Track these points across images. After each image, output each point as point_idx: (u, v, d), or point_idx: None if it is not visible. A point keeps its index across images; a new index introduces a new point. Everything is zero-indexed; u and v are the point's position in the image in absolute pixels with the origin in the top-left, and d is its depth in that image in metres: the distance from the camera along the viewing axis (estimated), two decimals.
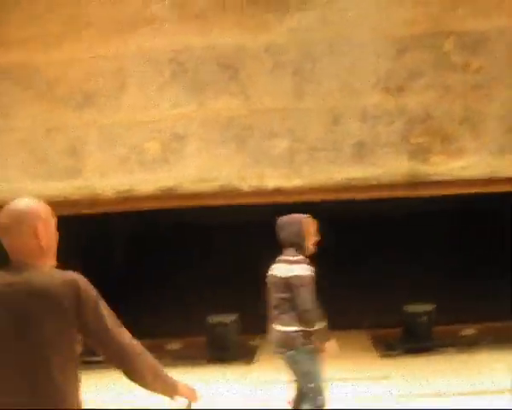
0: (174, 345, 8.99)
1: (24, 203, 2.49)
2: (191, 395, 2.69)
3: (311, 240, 4.77)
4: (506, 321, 8.29)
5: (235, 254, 12.41)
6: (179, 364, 7.43)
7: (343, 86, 7.05)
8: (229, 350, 8.40)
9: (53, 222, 2.54)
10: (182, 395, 2.62)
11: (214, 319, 8.52)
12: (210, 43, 7.07)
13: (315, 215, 5.11)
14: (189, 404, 2.68)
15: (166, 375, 2.59)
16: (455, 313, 8.57)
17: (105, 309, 2.44)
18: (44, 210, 2.51)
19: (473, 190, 7.12)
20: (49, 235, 2.49)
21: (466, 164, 6.90)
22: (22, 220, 2.43)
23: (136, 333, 2.61)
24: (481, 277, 10.46)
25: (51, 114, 7.21)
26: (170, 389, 2.60)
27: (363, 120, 7.04)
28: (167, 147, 7.14)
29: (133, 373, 2.47)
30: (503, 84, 6.84)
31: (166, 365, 2.77)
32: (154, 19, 7.11)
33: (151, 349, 2.59)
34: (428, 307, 8.14)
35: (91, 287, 2.42)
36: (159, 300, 11.15)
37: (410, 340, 8.31)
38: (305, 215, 4.89)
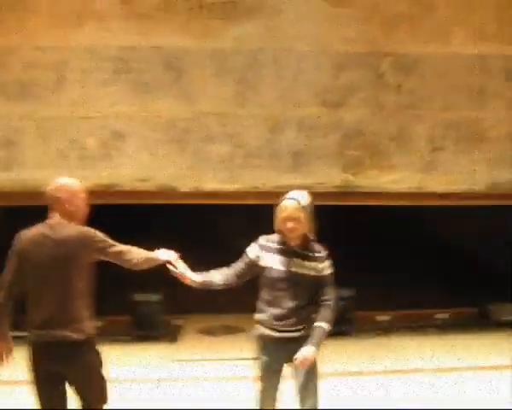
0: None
1: (63, 181, 3.89)
2: (169, 256, 4.08)
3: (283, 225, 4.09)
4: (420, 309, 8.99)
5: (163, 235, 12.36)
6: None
7: (283, 96, 7.28)
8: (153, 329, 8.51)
9: (81, 196, 3.88)
10: (162, 257, 4.05)
11: (139, 297, 8.58)
12: (156, 44, 7.12)
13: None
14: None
15: (146, 253, 3.99)
16: (373, 300, 9.02)
17: (105, 238, 3.84)
18: (75, 187, 3.87)
19: (401, 203, 7.52)
20: (76, 204, 3.83)
21: (395, 178, 7.29)
22: (60, 192, 3.81)
23: None
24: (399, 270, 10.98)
25: None
26: (153, 260, 4.00)
27: (301, 131, 7.29)
28: (107, 144, 7.13)
29: (131, 263, 3.86)
30: (432, 106, 7.28)
31: None
32: (100, 14, 7.08)
33: None
34: (347, 293, 8.39)
35: (97, 232, 3.79)
36: None
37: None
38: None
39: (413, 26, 7.22)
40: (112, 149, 7.14)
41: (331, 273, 4.15)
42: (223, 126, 7.22)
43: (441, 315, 9.03)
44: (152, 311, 8.54)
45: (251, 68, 7.22)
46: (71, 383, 3.78)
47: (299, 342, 3.99)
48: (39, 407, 3.74)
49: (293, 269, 4.06)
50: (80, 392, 3.77)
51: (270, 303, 4.06)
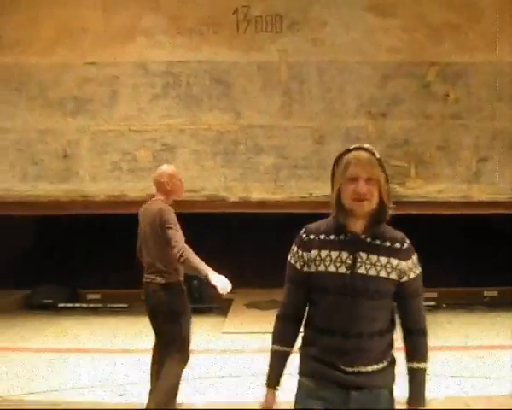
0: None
1: (164, 168, 4.86)
2: (221, 285, 4.27)
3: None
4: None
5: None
6: None
7: (328, 107, 7.38)
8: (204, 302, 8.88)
9: (177, 177, 4.81)
10: (213, 281, 4.29)
11: None
12: (204, 58, 7.33)
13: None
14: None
15: (200, 262, 4.38)
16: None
17: (171, 221, 4.54)
18: (172, 172, 4.80)
19: (447, 212, 7.56)
20: (172, 183, 4.75)
21: (441, 188, 7.33)
22: (162, 175, 4.76)
23: None
24: None
25: (43, 118, 7.36)
26: (201, 273, 4.33)
27: (346, 141, 7.36)
28: (157, 156, 7.37)
29: (176, 256, 4.42)
30: (477, 116, 7.27)
31: None
32: (150, 31, 7.31)
33: None
34: None
35: (169, 214, 4.53)
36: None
37: None
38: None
39: (459, 36, 7.22)
40: (162, 160, 7.36)
41: (419, 275, 2.59)
42: (269, 138, 7.37)
43: (489, 293, 9.07)
44: (203, 284, 8.74)
45: (296, 80, 7.35)
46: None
47: (368, 390, 2.49)
48: None
49: (361, 271, 2.48)
50: None
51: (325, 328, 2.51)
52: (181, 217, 4.61)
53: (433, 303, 8.87)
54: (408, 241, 2.58)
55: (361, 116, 7.38)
